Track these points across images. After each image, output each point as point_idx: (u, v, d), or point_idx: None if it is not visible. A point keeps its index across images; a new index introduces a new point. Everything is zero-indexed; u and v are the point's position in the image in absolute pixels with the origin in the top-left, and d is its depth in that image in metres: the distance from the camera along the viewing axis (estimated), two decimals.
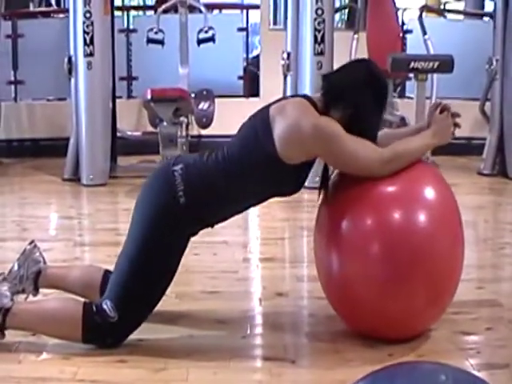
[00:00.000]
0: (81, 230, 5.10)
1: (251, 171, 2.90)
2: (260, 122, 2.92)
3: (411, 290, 2.86)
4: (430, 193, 2.95)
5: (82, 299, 3.04)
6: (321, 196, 3.06)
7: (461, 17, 9.49)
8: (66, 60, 6.27)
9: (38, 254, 3.27)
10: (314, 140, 2.82)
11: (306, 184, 3.01)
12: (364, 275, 2.88)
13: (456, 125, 3.05)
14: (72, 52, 6.26)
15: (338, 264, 2.96)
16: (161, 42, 7.04)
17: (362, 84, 2.93)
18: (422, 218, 2.88)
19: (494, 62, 6.54)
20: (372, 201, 2.89)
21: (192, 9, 7.43)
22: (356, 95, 2.92)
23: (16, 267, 3.21)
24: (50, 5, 10.96)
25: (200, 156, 3.03)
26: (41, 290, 3.24)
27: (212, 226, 3.05)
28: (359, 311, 2.96)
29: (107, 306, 2.89)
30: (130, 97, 7.88)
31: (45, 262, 3.27)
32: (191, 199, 2.89)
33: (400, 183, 2.92)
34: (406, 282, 2.85)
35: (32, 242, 3.30)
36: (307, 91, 5.62)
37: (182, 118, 6.51)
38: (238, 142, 2.98)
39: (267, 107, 2.96)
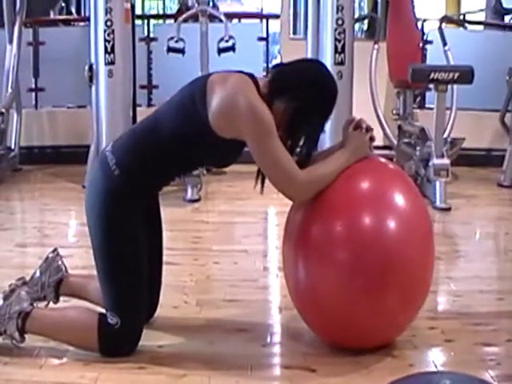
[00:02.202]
0: None
1: (182, 135, 2.88)
2: (198, 89, 2.89)
3: (382, 297, 2.83)
4: (399, 199, 2.92)
5: (100, 309, 3.05)
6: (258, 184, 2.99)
7: (481, 27, 9.47)
8: (86, 68, 6.30)
9: (60, 262, 3.29)
10: (246, 120, 2.76)
11: None
12: (333, 283, 2.85)
13: (371, 139, 2.97)
14: (93, 60, 6.29)
15: (305, 272, 2.93)
16: (181, 51, 7.06)
17: (310, 82, 2.88)
18: (392, 224, 2.84)
19: None
20: (341, 207, 2.86)
21: (212, 18, 7.46)
22: (304, 90, 2.87)
23: (38, 274, 3.23)
24: (70, 13, 11.06)
25: (131, 127, 3.05)
26: (62, 298, 3.26)
27: (156, 193, 3.08)
28: (328, 320, 2.94)
29: (108, 316, 2.90)
30: (150, 105, 7.91)
31: (66, 271, 3.29)
32: (125, 169, 2.88)
33: (369, 189, 2.91)
34: (376, 289, 2.82)
35: (55, 249, 3.32)
36: None
37: None
38: (174, 104, 2.97)
39: (209, 75, 2.93)
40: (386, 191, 2.94)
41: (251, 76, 2.92)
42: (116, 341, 2.91)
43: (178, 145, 2.89)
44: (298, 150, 2.90)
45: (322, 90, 2.91)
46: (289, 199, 2.93)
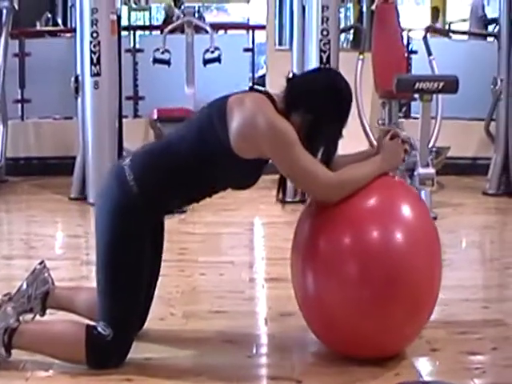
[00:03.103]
0: (87, 249, 5.10)
1: (202, 159, 2.89)
2: (216, 111, 2.90)
3: (389, 309, 2.85)
4: (406, 211, 2.95)
5: (87, 321, 3.05)
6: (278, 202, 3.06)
7: (465, 37, 9.52)
8: (72, 79, 6.31)
9: (46, 274, 3.28)
10: (268, 139, 2.80)
11: None
12: (340, 295, 2.87)
13: (406, 150, 3.04)
14: (79, 71, 6.30)
15: (313, 284, 2.95)
16: (167, 62, 7.09)
17: (325, 92, 2.91)
18: (398, 236, 2.87)
19: (499, 82, 6.58)
20: (348, 219, 2.89)
21: (198, 29, 7.48)
22: (318, 102, 2.90)
23: (25, 286, 3.23)
24: (56, 24, 11.05)
25: (149, 145, 3.06)
26: (48, 311, 3.25)
27: (172, 212, 3.07)
28: (336, 331, 2.95)
29: (101, 327, 2.89)
30: (136, 116, 7.91)
31: (53, 283, 3.29)
32: (143, 187, 2.89)
33: (376, 202, 2.93)
34: (383, 302, 2.84)
35: (42, 262, 3.32)
36: None
37: None
38: (192, 127, 2.97)
39: (227, 97, 2.93)
40: (391, 204, 2.96)
41: (267, 93, 2.97)
42: (106, 352, 2.91)
43: (198, 167, 2.90)
44: (319, 157, 2.93)
45: (337, 96, 2.94)
46: (320, 201, 2.94)
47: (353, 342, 2.93)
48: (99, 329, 2.89)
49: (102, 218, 2.95)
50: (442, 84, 5.85)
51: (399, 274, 2.83)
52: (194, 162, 2.89)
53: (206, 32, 7.29)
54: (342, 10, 9.58)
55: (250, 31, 8.30)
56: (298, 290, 3.08)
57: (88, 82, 6.21)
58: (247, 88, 3.10)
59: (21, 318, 3.05)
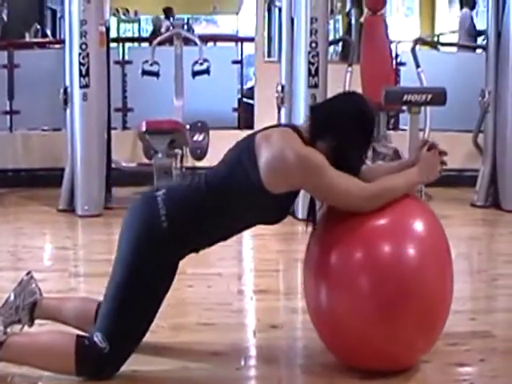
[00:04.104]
0: (76, 261, 5.11)
1: (234, 197, 2.92)
2: (245, 150, 2.93)
3: (401, 323, 2.86)
4: (418, 225, 2.97)
5: (77, 331, 3.05)
6: (309, 227, 3.08)
7: (454, 49, 9.56)
8: (61, 91, 6.31)
9: (34, 285, 3.27)
10: (298, 171, 2.83)
11: (300, 216, 3.03)
12: (353, 309, 2.88)
13: (442, 163, 3.05)
14: (68, 83, 6.29)
15: (326, 298, 2.96)
16: (156, 74, 7.09)
17: (349, 117, 2.94)
18: (410, 250, 2.89)
19: (487, 94, 6.60)
20: (360, 234, 2.90)
21: (187, 41, 7.49)
22: (343, 128, 2.93)
23: (12, 297, 3.21)
24: (45, 36, 11.06)
25: (183, 181, 3.06)
26: (36, 321, 3.24)
27: (197, 251, 3.06)
28: (349, 344, 2.96)
29: (98, 338, 2.89)
30: (125, 128, 7.90)
31: (41, 294, 3.28)
32: (174, 223, 2.90)
33: (388, 216, 2.93)
34: (396, 316, 2.85)
35: (29, 272, 3.31)
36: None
37: (176, 150, 6.56)
38: (222, 167, 2.99)
39: (253, 135, 2.97)
40: (403, 218, 2.97)
41: (292, 127, 3.01)
42: (99, 363, 2.90)
43: (229, 206, 2.92)
44: None
45: (363, 121, 2.96)
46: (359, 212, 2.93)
47: (365, 354, 2.94)
48: (95, 339, 2.89)
49: (127, 239, 2.96)
50: (430, 96, 5.89)
51: (411, 288, 2.85)
52: (225, 202, 2.91)
53: (195, 44, 7.30)
54: (331, 22, 9.64)
55: (239, 43, 8.31)
56: (310, 304, 3.09)
57: (77, 93, 6.21)
58: (273, 123, 3.12)
59: (8, 329, 3.03)
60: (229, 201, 2.92)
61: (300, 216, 4.97)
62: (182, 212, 2.93)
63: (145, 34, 13.91)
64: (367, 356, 2.93)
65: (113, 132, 6.89)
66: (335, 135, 2.92)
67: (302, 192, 3.02)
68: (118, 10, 14.94)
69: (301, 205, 4.60)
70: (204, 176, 2.99)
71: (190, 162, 7.04)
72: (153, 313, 2.98)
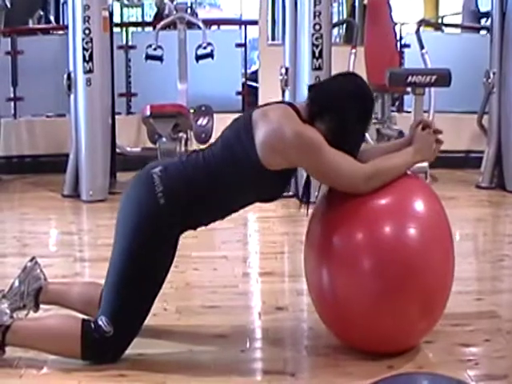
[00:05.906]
0: (81, 246, 5.12)
1: (232, 174, 2.91)
2: (243, 126, 2.93)
3: (403, 303, 2.86)
4: (420, 206, 2.96)
5: (82, 316, 3.06)
6: (304, 206, 3.09)
7: (458, 30, 9.53)
8: (65, 76, 6.30)
9: (38, 270, 3.28)
10: (295, 148, 2.83)
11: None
12: (355, 290, 2.88)
13: (438, 141, 3.03)
14: (71, 68, 6.28)
15: (328, 279, 2.96)
16: (160, 59, 7.08)
17: (348, 97, 2.93)
18: (412, 231, 2.88)
19: (492, 75, 6.57)
20: (362, 215, 2.89)
21: (191, 25, 7.48)
22: (342, 107, 2.92)
23: (17, 283, 3.22)
24: (49, 22, 11.03)
25: (180, 158, 3.06)
26: (41, 306, 3.25)
27: (195, 228, 3.06)
28: (350, 326, 2.96)
29: (102, 321, 2.90)
30: (129, 113, 7.90)
31: (45, 279, 3.28)
32: (170, 200, 2.90)
33: (390, 197, 2.92)
34: (397, 296, 2.85)
35: (33, 258, 3.31)
36: None
37: (180, 134, 6.55)
38: (220, 144, 2.99)
39: (251, 112, 2.96)
40: (406, 199, 2.97)
41: (290, 104, 3.00)
42: (103, 347, 2.91)
43: (227, 183, 2.92)
44: None
45: (362, 100, 2.96)
46: (356, 194, 2.91)
47: (367, 336, 2.94)
48: (100, 323, 2.90)
49: (125, 220, 2.96)
50: (434, 77, 5.86)
51: (413, 269, 2.84)
52: (223, 178, 2.91)
53: (199, 28, 7.28)
54: (335, 4, 9.59)
55: (243, 27, 8.29)
56: (311, 285, 3.09)
57: (80, 79, 6.21)
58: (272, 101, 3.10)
59: (14, 315, 3.05)
60: (226, 177, 2.91)
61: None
62: (179, 189, 2.91)
63: (148, 19, 13.85)
64: (370, 337, 2.93)
65: (117, 117, 6.90)
66: (334, 115, 2.91)
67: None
68: None
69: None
70: (202, 153, 2.99)
71: (194, 145, 7.04)
72: (155, 292, 2.97)
